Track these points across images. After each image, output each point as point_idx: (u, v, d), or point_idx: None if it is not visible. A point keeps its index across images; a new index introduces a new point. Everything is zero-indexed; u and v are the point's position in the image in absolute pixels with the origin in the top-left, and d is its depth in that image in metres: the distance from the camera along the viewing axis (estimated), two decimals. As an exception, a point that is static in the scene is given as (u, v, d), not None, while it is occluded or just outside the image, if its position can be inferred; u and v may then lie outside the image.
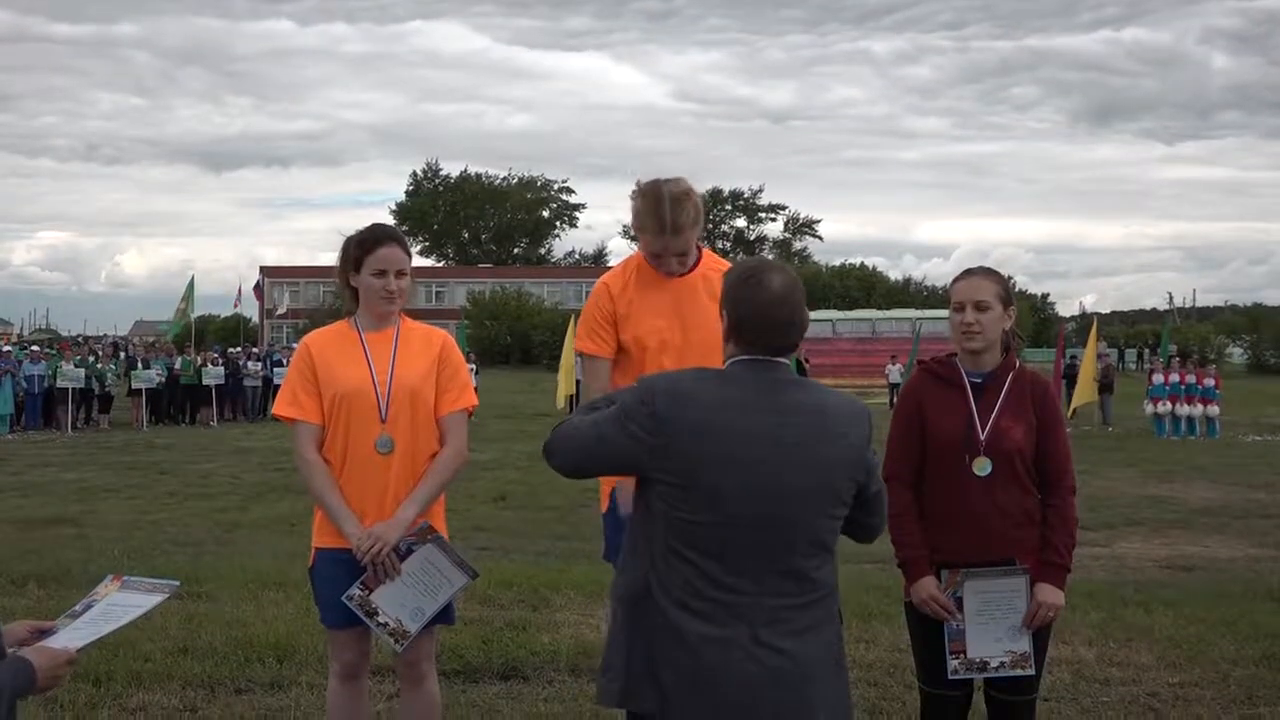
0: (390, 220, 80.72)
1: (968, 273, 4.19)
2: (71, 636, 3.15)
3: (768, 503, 2.98)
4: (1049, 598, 4.00)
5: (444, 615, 4.28)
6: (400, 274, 4.26)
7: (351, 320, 4.36)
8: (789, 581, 3.02)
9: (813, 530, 3.04)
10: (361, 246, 4.25)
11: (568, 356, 28.10)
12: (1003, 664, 4.02)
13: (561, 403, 27.96)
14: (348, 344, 4.28)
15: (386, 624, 4.15)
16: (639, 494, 3.14)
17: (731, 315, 3.12)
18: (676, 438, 2.99)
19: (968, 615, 3.99)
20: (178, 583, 3.57)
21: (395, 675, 4.72)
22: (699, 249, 4.43)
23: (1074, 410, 26.73)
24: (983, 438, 4.01)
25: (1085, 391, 27.05)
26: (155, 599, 3.39)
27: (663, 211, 4.14)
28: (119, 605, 3.33)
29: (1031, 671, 4.05)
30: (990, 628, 4.01)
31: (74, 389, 26.81)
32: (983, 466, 3.99)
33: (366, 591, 4.13)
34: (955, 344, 4.18)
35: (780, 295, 3.07)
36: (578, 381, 28.80)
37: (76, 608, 3.32)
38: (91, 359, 29.24)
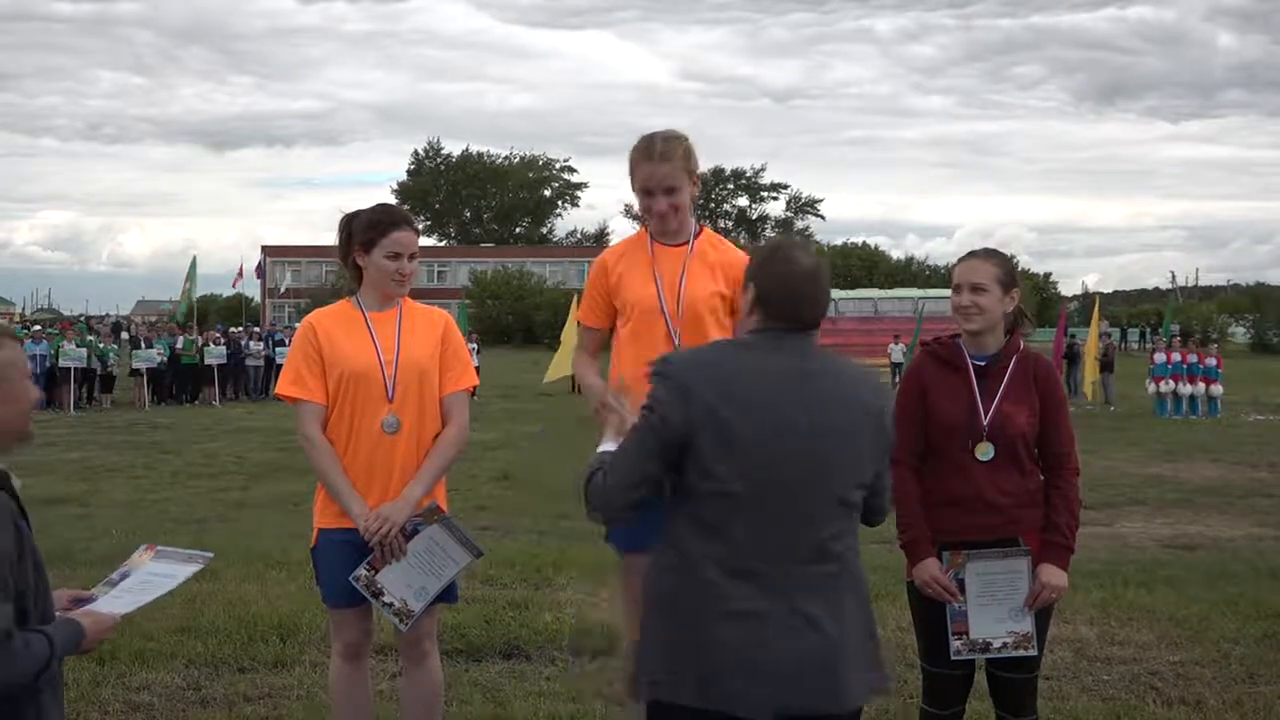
0: (392, 200, 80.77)
1: (969, 255, 4.18)
2: (113, 604, 3.24)
3: (798, 468, 2.99)
4: (1052, 579, 3.99)
5: (447, 594, 4.29)
6: (412, 257, 4.26)
7: (354, 300, 4.35)
8: (819, 551, 3.03)
9: (842, 494, 3.06)
10: (376, 228, 4.22)
11: (569, 337, 27.82)
12: (1005, 644, 4.02)
13: (551, 376, 27.63)
14: (353, 323, 4.27)
15: (392, 604, 4.15)
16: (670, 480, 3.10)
17: (759, 288, 3.13)
18: (702, 404, 2.99)
19: (969, 596, 3.99)
20: (211, 555, 3.62)
21: (397, 654, 4.74)
22: (699, 225, 4.45)
23: (1087, 388, 26.72)
24: (985, 422, 4.00)
25: (1091, 371, 27.08)
26: (190, 569, 3.50)
27: (652, 143, 4.25)
28: (156, 575, 3.44)
29: (1034, 652, 4.04)
30: (992, 609, 4.01)
31: (76, 369, 26.83)
32: (985, 451, 3.99)
33: (373, 572, 4.13)
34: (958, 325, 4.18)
35: (809, 271, 3.13)
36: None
37: (113, 576, 3.39)
38: (91, 338, 29.24)
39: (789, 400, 3.01)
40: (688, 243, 4.40)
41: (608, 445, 3.80)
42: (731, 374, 3.04)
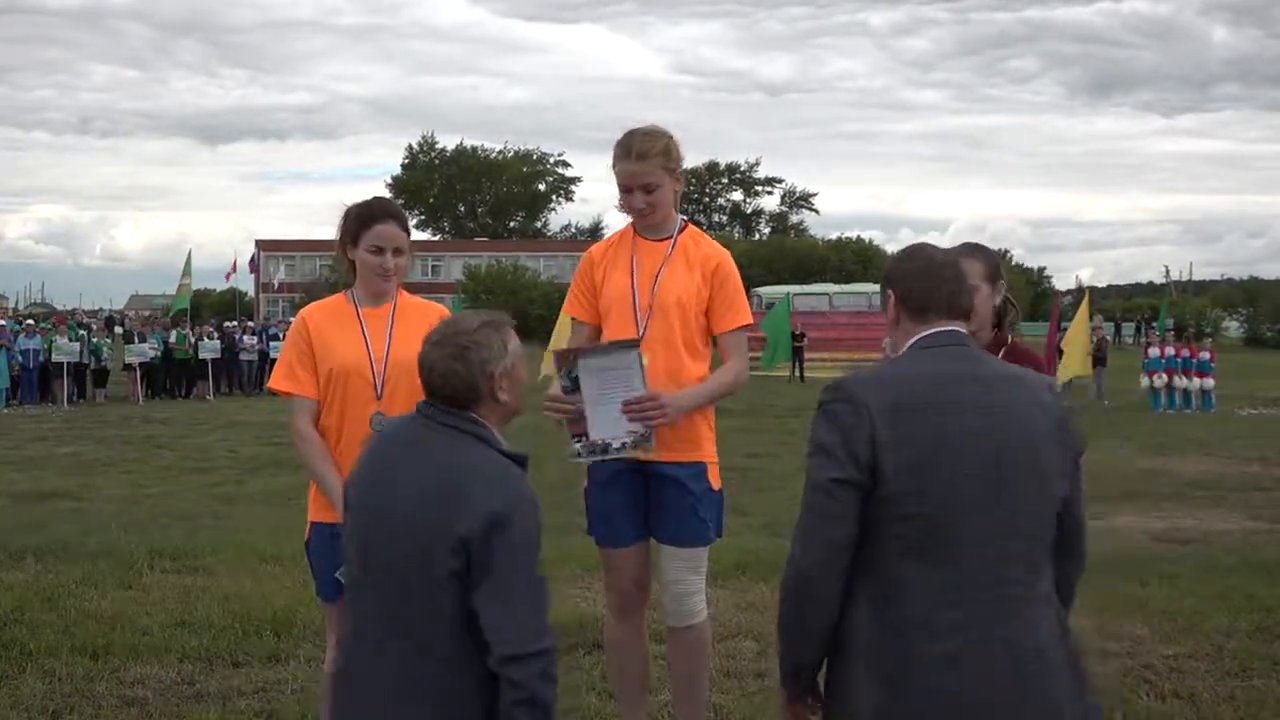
0: (386, 194, 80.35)
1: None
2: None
3: (992, 479, 2.71)
4: None
5: None
6: (398, 252, 4.22)
7: (349, 294, 4.33)
8: (1016, 567, 2.74)
9: (1034, 504, 2.76)
10: (360, 221, 4.21)
11: (560, 333, 27.66)
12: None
13: (545, 370, 27.52)
14: (345, 318, 4.26)
15: None
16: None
17: (899, 286, 2.93)
18: (892, 426, 2.70)
19: None
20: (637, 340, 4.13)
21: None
22: (684, 221, 4.49)
23: (1065, 382, 26.58)
24: None
25: (1075, 364, 26.84)
26: (632, 354, 4.09)
27: (631, 140, 4.36)
28: (610, 371, 3.99)
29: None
30: None
31: (69, 363, 26.78)
32: None
33: None
34: None
35: (944, 259, 2.98)
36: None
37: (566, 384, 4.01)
38: (83, 332, 29.19)
39: (975, 407, 2.74)
40: (670, 238, 4.47)
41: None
42: (914, 386, 2.77)
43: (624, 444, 4.19)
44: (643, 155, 4.32)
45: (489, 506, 2.85)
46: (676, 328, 4.37)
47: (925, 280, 2.92)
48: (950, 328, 2.89)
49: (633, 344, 4.20)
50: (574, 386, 4.21)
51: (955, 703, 2.66)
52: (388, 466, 3.08)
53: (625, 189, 4.39)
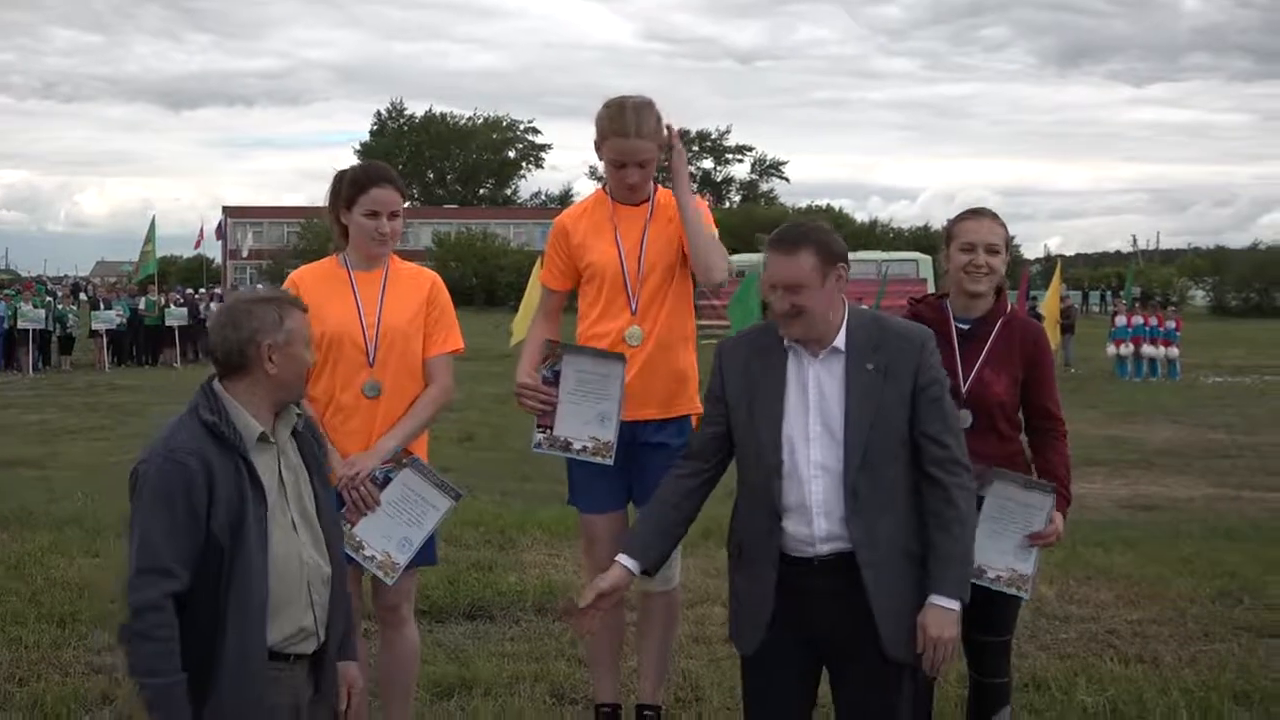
0: (354, 160, 79.30)
1: (976, 214, 4.12)
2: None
3: None
4: (1055, 522, 3.99)
5: (426, 554, 4.26)
6: (393, 215, 4.20)
7: (340, 257, 4.30)
8: None
9: None
10: (355, 185, 4.18)
11: (530, 299, 27.48)
12: (999, 577, 3.94)
13: (518, 338, 27.36)
14: (336, 283, 4.22)
15: (374, 557, 4.10)
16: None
17: (845, 261, 3.43)
18: None
19: (983, 518, 3.82)
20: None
21: (371, 617, 4.69)
22: (655, 185, 4.46)
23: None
24: (964, 390, 3.95)
25: (1051, 335, 27.04)
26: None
27: (624, 114, 4.28)
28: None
29: (1027, 595, 4.03)
30: (1002, 538, 3.94)
31: (35, 330, 26.53)
32: (963, 419, 3.84)
33: (349, 525, 4.06)
34: (952, 285, 4.11)
35: None
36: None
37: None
38: (49, 299, 28.91)
39: None
40: (648, 200, 4.43)
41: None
42: None
43: (584, 446, 4.22)
44: (640, 132, 4.26)
45: (139, 459, 3.15)
46: (667, 294, 4.37)
47: None
48: None
49: (619, 358, 4.20)
50: (554, 379, 4.22)
51: None
52: None
53: (620, 164, 4.32)
